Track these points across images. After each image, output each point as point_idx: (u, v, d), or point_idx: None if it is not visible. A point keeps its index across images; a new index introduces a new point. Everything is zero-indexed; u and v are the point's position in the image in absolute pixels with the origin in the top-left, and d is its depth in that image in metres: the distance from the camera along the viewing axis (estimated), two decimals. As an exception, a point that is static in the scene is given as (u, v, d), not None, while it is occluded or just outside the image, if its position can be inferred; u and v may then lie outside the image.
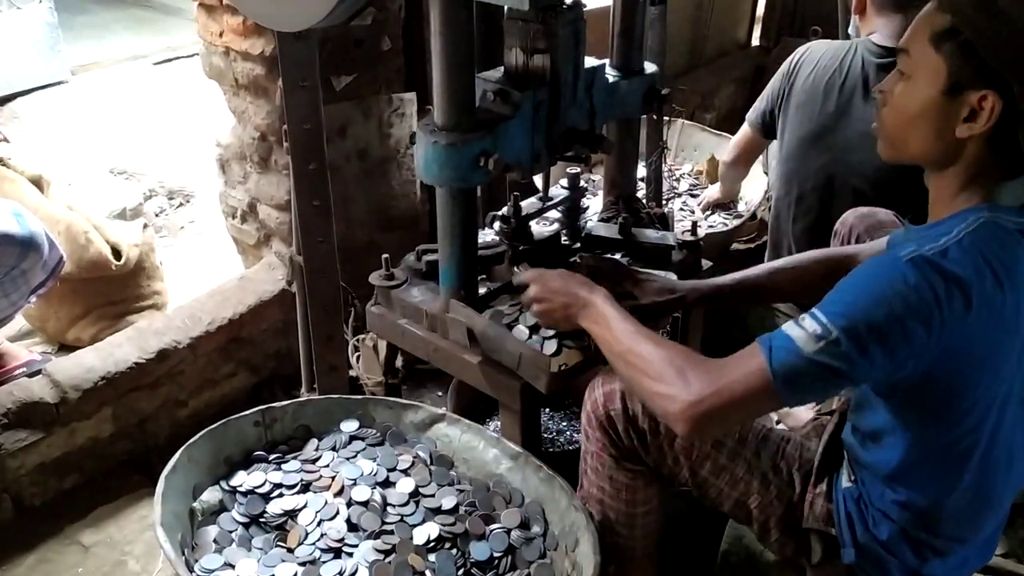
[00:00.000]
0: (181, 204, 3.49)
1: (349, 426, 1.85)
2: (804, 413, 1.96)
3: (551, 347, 1.66)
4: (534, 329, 1.70)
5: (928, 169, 1.33)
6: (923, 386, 1.26)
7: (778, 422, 2.18)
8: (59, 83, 4.07)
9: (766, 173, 3.07)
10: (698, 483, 1.56)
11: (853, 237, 1.90)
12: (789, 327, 1.23)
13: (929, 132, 1.27)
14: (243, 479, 1.71)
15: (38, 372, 2.17)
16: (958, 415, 1.29)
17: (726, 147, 3.37)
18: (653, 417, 1.50)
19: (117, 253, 2.52)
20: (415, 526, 1.64)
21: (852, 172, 2.36)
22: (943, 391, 1.26)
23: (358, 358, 2.32)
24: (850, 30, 2.66)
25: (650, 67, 2.00)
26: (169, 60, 4.53)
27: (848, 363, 1.19)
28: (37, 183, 2.53)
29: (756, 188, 3.16)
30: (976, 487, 1.36)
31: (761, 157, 3.15)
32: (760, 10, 4.72)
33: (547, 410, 2.34)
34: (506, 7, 1.63)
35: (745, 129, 2.76)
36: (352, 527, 1.63)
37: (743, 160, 2.91)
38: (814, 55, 2.43)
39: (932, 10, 1.25)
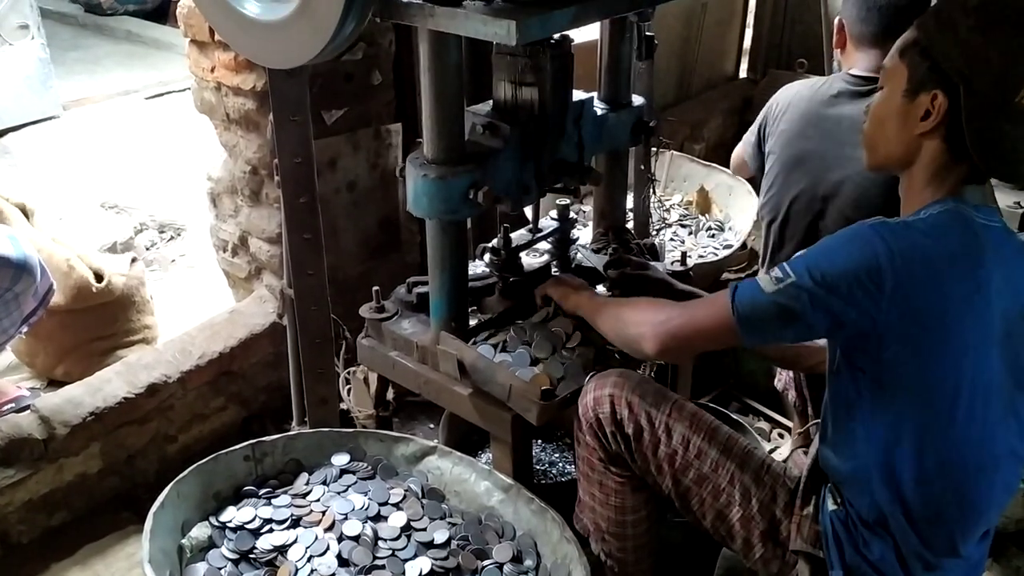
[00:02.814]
0: (172, 238, 3.49)
1: (340, 459, 1.84)
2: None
3: (530, 373, 1.71)
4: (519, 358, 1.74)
5: (899, 172, 1.44)
6: (890, 355, 1.32)
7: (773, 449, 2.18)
8: (51, 118, 4.09)
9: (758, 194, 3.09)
10: (681, 492, 1.57)
11: None
12: (759, 275, 1.40)
13: (894, 132, 1.41)
14: (232, 515, 1.69)
15: (27, 408, 2.15)
16: (929, 391, 1.34)
17: (715, 177, 3.41)
18: (638, 423, 1.55)
19: (99, 277, 2.51)
20: (407, 561, 1.63)
21: (833, 194, 2.39)
22: (909, 362, 1.32)
23: (349, 391, 2.31)
24: (834, 64, 2.72)
25: (637, 100, 2.03)
26: (160, 95, 4.56)
27: (802, 304, 1.32)
28: (22, 211, 2.52)
29: (745, 217, 3.18)
30: (961, 492, 1.38)
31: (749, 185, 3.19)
32: (747, 43, 4.78)
33: (539, 441, 2.33)
34: (494, 42, 1.65)
35: (740, 148, 2.80)
36: (343, 562, 1.61)
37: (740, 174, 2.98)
38: (792, 89, 2.51)
39: (909, 30, 1.40)
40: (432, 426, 2.49)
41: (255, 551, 1.63)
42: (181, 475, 1.69)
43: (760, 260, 2.74)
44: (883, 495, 1.41)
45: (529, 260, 2.03)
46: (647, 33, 2.19)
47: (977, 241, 1.33)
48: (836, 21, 2.42)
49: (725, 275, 3.17)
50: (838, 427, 1.48)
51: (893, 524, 1.42)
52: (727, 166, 3.48)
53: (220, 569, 1.60)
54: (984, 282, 1.32)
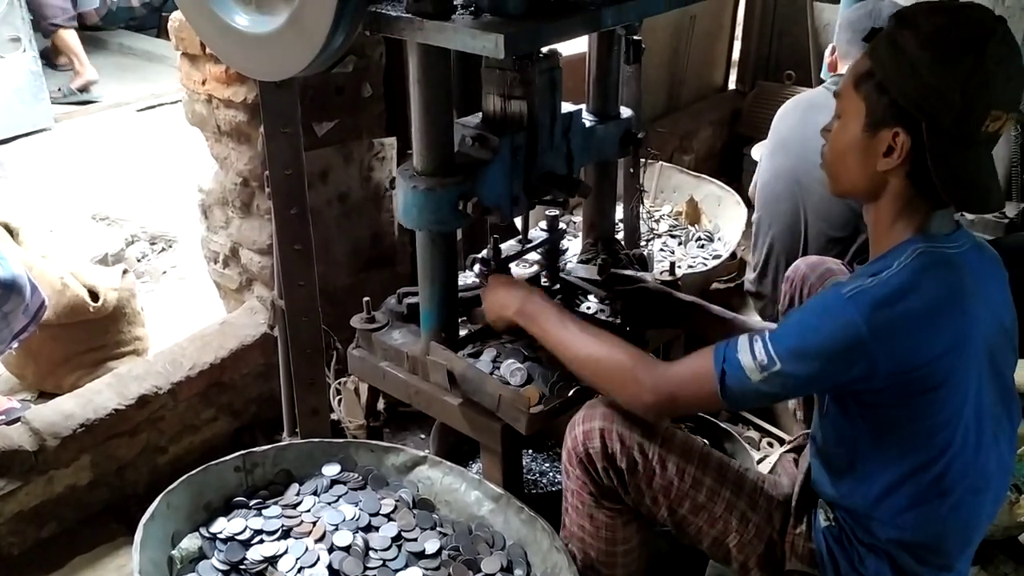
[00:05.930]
0: (163, 249, 3.49)
1: (331, 470, 1.84)
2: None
3: (519, 379, 1.72)
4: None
5: (863, 202, 1.43)
6: (888, 405, 1.33)
7: (759, 460, 2.18)
8: (42, 130, 4.10)
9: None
10: (677, 522, 1.56)
11: (806, 286, 1.94)
12: (742, 351, 1.36)
13: (855, 166, 1.38)
14: (223, 526, 1.69)
15: (17, 420, 2.15)
16: (928, 434, 1.34)
17: (705, 188, 3.44)
18: (631, 456, 1.52)
19: (94, 296, 2.51)
20: (398, 571, 1.63)
21: (815, 214, 2.43)
22: (907, 408, 1.33)
23: (340, 401, 2.32)
24: (823, 75, 2.76)
25: (626, 111, 2.04)
26: (152, 107, 4.57)
27: (787, 389, 1.39)
28: (7, 229, 2.52)
29: (735, 227, 3.20)
30: (959, 515, 1.39)
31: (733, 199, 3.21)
32: (736, 55, 4.82)
33: (529, 451, 2.34)
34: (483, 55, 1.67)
35: None
36: (334, 573, 1.61)
37: None
38: (781, 112, 2.57)
39: (860, 58, 1.37)
40: (423, 436, 2.50)
41: (245, 562, 1.63)
42: (171, 486, 1.68)
43: (756, 269, 2.75)
44: (881, 524, 1.41)
45: (519, 271, 2.04)
46: (635, 37, 2.21)
47: (955, 277, 1.32)
48: (829, 48, 2.50)
49: (714, 285, 3.19)
50: (834, 464, 1.47)
51: (890, 546, 1.42)
52: (716, 177, 3.52)
53: (210, 580, 1.60)
54: (970, 319, 1.31)
